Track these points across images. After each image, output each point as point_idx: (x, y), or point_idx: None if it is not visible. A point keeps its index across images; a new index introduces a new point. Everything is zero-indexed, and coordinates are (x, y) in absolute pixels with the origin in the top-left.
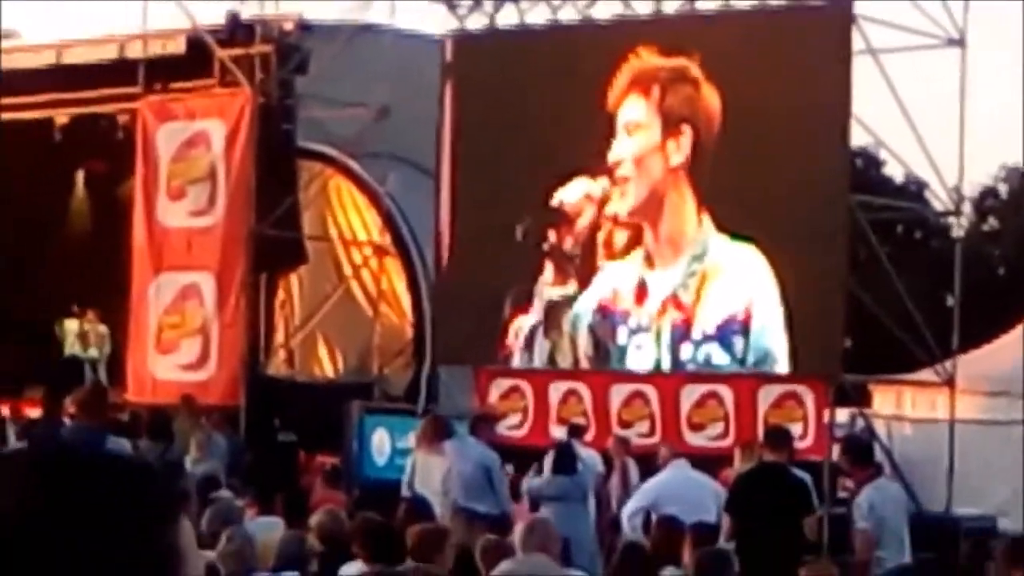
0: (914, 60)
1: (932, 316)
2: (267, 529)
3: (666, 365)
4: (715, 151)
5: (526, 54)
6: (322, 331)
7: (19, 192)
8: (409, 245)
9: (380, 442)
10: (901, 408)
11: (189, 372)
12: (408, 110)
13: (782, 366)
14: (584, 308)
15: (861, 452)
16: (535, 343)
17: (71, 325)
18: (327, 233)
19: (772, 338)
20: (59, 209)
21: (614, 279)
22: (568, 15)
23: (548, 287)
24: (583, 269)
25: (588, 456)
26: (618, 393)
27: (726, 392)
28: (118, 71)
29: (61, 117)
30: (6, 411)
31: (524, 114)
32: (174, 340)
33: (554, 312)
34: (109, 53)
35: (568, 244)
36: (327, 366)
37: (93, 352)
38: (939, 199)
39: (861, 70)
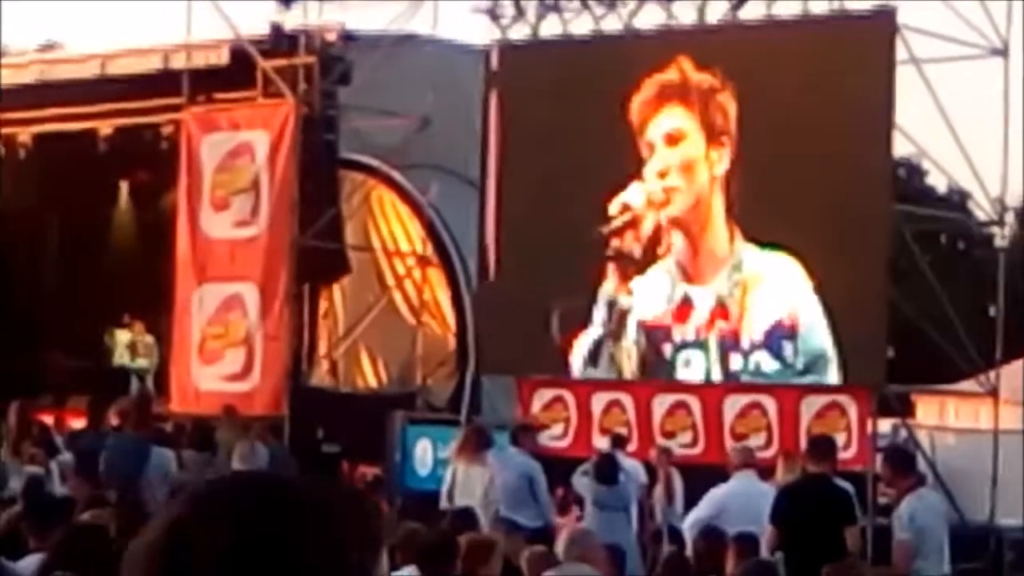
0: (957, 70)
1: (975, 326)
2: None
3: (717, 377)
4: (749, 162)
5: (571, 64)
6: (365, 342)
7: (63, 203)
8: (452, 255)
9: (423, 452)
10: (944, 418)
11: (233, 383)
12: (450, 120)
13: (833, 367)
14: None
15: (904, 462)
16: (601, 353)
17: (121, 336)
18: (370, 244)
19: (821, 338)
20: (103, 220)
21: (650, 294)
22: (611, 25)
23: (618, 295)
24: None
25: (631, 467)
26: (661, 403)
27: (769, 402)
28: (162, 82)
29: (105, 128)
30: (50, 420)
31: (569, 124)
32: (218, 351)
33: (623, 319)
34: (153, 64)
35: (636, 250)
36: (370, 377)
37: (142, 363)
38: (982, 209)
39: (904, 80)
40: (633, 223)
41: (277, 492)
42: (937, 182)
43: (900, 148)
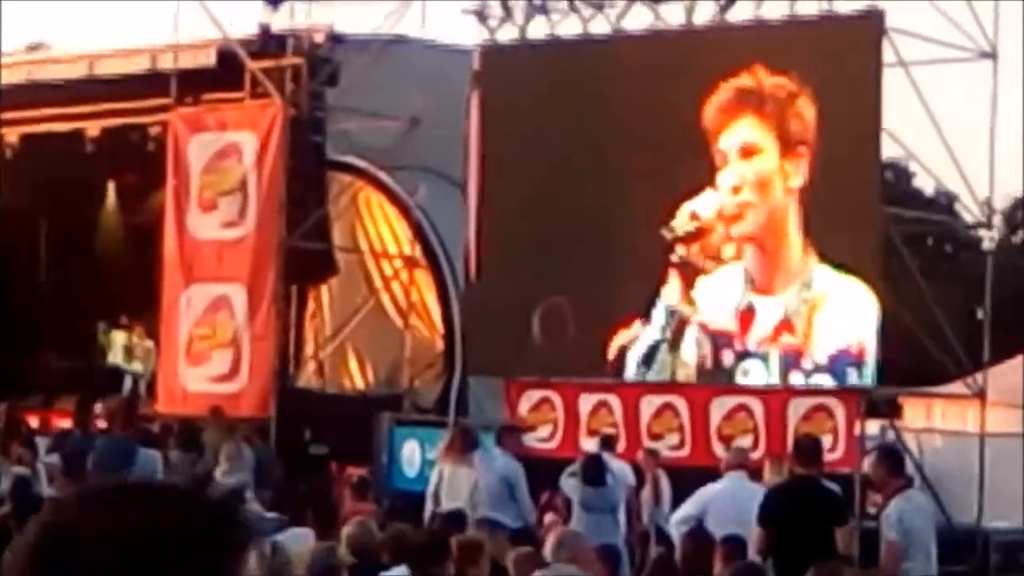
0: (945, 72)
1: (962, 329)
2: (298, 541)
3: None
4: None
5: (556, 66)
6: (352, 343)
7: (51, 204)
8: (439, 257)
9: (411, 454)
10: (931, 421)
11: (220, 384)
12: (439, 122)
13: None
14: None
15: (897, 463)
16: (656, 358)
17: (118, 336)
18: (357, 245)
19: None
20: (91, 221)
21: (717, 298)
22: (600, 27)
23: (680, 304)
24: None
25: (619, 468)
26: (648, 405)
27: (756, 404)
28: (149, 82)
29: (92, 129)
30: (35, 422)
31: (554, 125)
32: (205, 352)
33: (682, 328)
34: (140, 65)
35: (701, 260)
36: (357, 378)
37: (137, 366)
38: (970, 211)
39: (892, 82)
40: (700, 233)
41: (149, 494)
42: (925, 185)
43: (888, 150)
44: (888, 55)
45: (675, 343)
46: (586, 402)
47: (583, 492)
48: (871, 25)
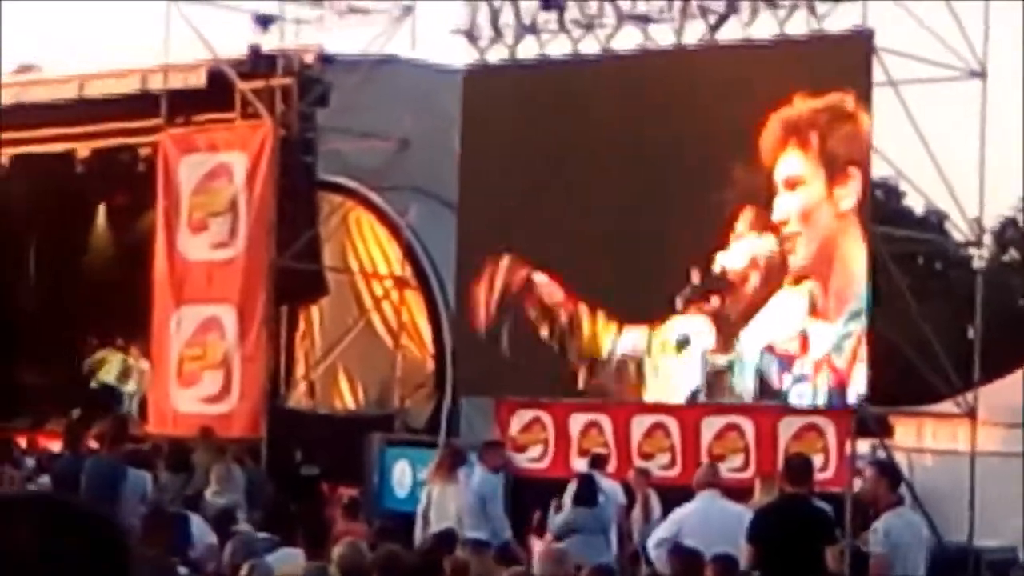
0: (935, 91)
1: (953, 347)
2: (288, 561)
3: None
4: None
5: (543, 86)
6: (343, 363)
7: (41, 225)
8: (430, 278)
9: (401, 474)
10: (922, 440)
11: (211, 404)
12: (429, 142)
13: None
14: (751, 346)
15: (894, 478)
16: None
17: (114, 357)
18: (348, 265)
19: None
20: (81, 242)
21: (782, 318)
22: (590, 47)
23: (710, 354)
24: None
25: (610, 488)
26: (639, 425)
27: (747, 424)
28: (139, 103)
29: (83, 150)
30: (23, 442)
31: (539, 145)
32: (196, 372)
33: (719, 380)
34: (130, 86)
35: (733, 313)
36: (348, 398)
37: (131, 387)
38: (960, 230)
39: (881, 101)
40: (731, 284)
41: (60, 506)
42: (915, 203)
43: (878, 169)
44: (878, 74)
45: (711, 394)
46: (576, 422)
47: (575, 513)
48: (860, 44)
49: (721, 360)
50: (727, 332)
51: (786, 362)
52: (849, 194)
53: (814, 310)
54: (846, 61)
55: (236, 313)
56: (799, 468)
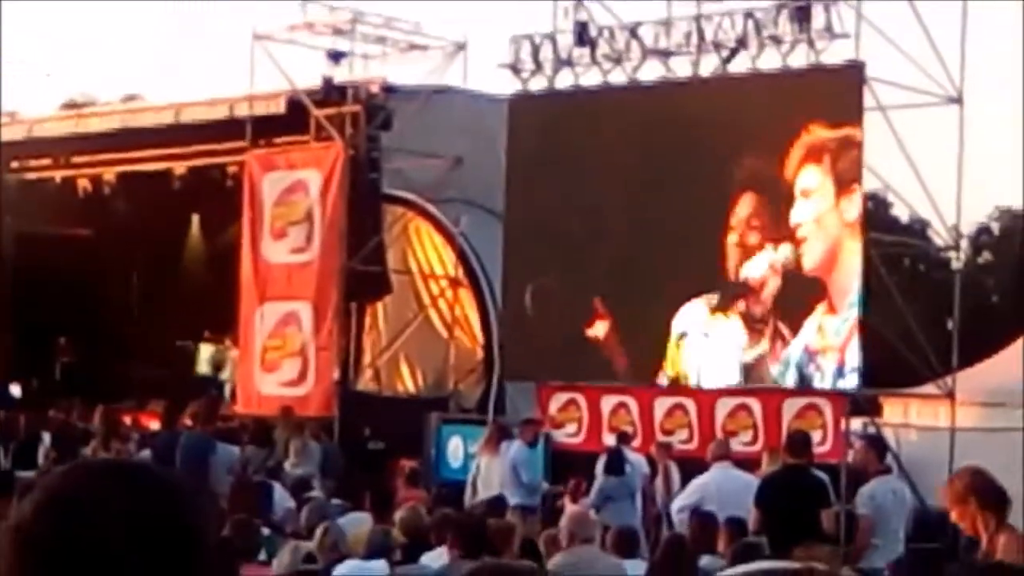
0: (918, 115)
1: (934, 338)
2: (357, 523)
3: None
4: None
5: (578, 112)
6: (404, 352)
7: (143, 234)
8: (480, 278)
9: (455, 448)
10: (908, 418)
11: (289, 388)
12: (479, 160)
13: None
14: (795, 352)
15: (880, 449)
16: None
17: (205, 350)
18: (408, 268)
19: None
20: (178, 248)
21: (811, 327)
22: (618, 77)
23: (743, 350)
24: (774, 329)
25: (635, 459)
26: (661, 405)
27: (755, 404)
28: (228, 128)
29: (179, 168)
30: (128, 420)
31: (571, 163)
32: (277, 360)
33: (754, 370)
34: (220, 113)
35: (757, 312)
36: (409, 383)
37: (225, 375)
38: (940, 236)
39: (872, 124)
40: (752, 290)
41: (143, 471)
42: (901, 213)
43: (869, 183)
44: (868, 100)
45: (750, 378)
46: (607, 403)
47: (606, 481)
48: (853, 74)
49: (751, 355)
50: (754, 329)
51: (812, 355)
52: (853, 206)
53: (829, 306)
54: (841, 90)
55: (312, 309)
56: (799, 442)
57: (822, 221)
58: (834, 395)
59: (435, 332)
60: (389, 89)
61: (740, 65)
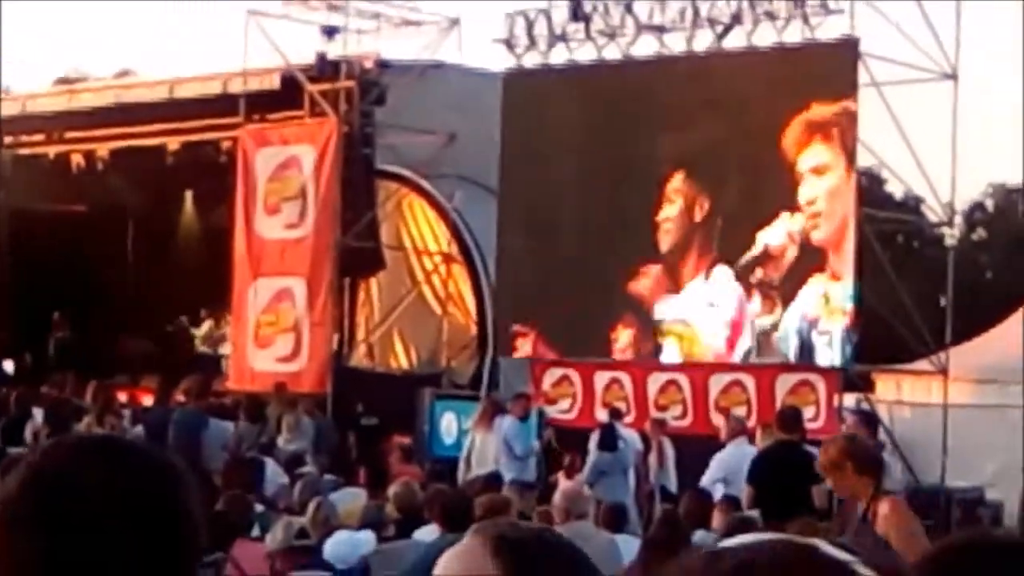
0: (913, 92)
1: (928, 314)
2: (350, 499)
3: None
4: (741, 173)
5: (572, 87)
6: (398, 328)
7: (137, 210)
8: (473, 254)
9: (448, 424)
10: (901, 394)
11: (283, 364)
12: (473, 136)
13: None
14: (792, 320)
15: (869, 424)
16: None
17: (206, 326)
18: (402, 243)
19: None
20: (171, 224)
21: (810, 295)
22: (612, 53)
23: (757, 317)
24: (789, 295)
25: (629, 435)
26: (655, 381)
27: (748, 380)
28: (221, 104)
29: (173, 144)
30: (124, 397)
31: (566, 138)
32: (270, 336)
33: (766, 338)
34: (214, 88)
35: (775, 279)
36: (402, 358)
37: (225, 351)
38: (934, 212)
39: (866, 100)
40: (771, 257)
41: (120, 448)
42: (895, 189)
43: (863, 159)
44: (863, 76)
45: (761, 352)
46: (600, 379)
47: (599, 456)
48: (848, 50)
49: (767, 321)
50: (770, 297)
51: (813, 324)
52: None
53: (831, 275)
54: (836, 65)
55: (305, 285)
56: (790, 418)
57: (836, 196)
58: (827, 371)
59: (428, 308)
60: (383, 65)
61: (735, 41)
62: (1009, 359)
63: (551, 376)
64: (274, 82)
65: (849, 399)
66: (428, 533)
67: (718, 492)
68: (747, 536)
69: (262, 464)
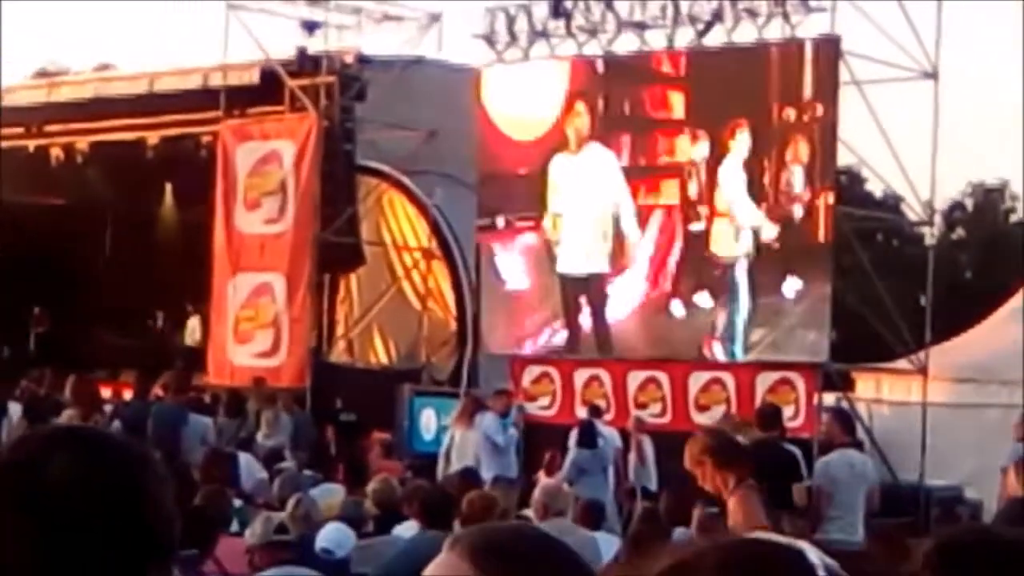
0: (893, 90)
1: (907, 313)
2: (329, 495)
3: None
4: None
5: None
6: (377, 324)
7: (116, 203)
8: (453, 250)
9: (428, 420)
10: (880, 393)
11: (262, 359)
12: (453, 132)
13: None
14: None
15: (844, 422)
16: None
17: (193, 321)
18: (382, 239)
19: None
20: (151, 218)
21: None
22: (593, 49)
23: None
24: None
25: (608, 433)
26: (634, 378)
27: (728, 378)
28: (202, 98)
29: (152, 138)
30: (107, 392)
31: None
32: (249, 331)
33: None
34: (194, 83)
35: None
36: (382, 354)
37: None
38: (914, 211)
39: (847, 98)
40: None
41: (90, 439)
42: (875, 188)
43: (843, 158)
44: (844, 74)
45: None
46: (580, 376)
47: (579, 454)
48: (828, 48)
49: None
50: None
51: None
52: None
53: None
54: (817, 63)
55: (285, 280)
56: (769, 415)
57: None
58: (807, 369)
59: (408, 304)
60: (363, 60)
61: (715, 39)
62: (988, 358)
63: (530, 373)
64: (254, 77)
65: (829, 397)
66: (407, 529)
67: None
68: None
69: (236, 459)
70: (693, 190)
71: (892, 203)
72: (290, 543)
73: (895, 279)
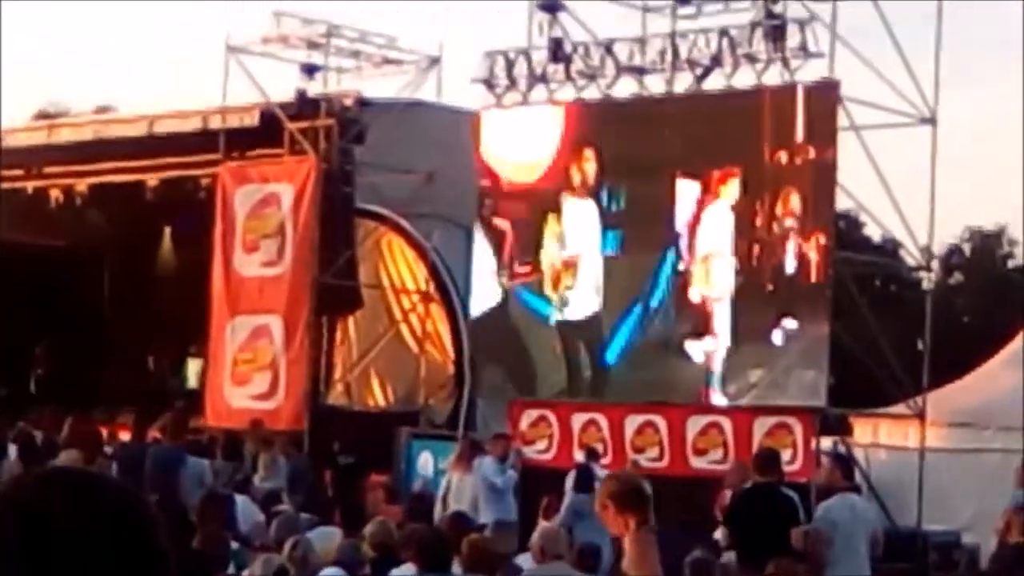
0: (892, 136)
1: (905, 358)
2: (326, 537)
3: None
4: None
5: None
6: (375, 367)
7: (115, 245)
8: (451, 293)
9: (425, 463)
10: (877, 437)
11: (260, 401)
12: (452, 176)
13: None
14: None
15: (844, 467)
16: None
17: (193, 364)
18: (380, 282)
19: None
20: (150, 260)
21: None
22: (592, 94)
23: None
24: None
25: (604, 476)
26: (631, 423)
27: (726, 422)
28: (201, 140)
29: (151, 180)
30: (105, 433)
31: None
32: (247, 373)
33: None
34: (193, 125)
35: None
36: (379, 397)
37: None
38: (912, 256)
39: (845, 143)
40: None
41: (92, 479)
42: (873, 233)
43: (841, 203)
44: (842, 120)
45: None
46: (577, 420)
47: (575, 498)
48: (827, 93)
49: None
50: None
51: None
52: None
53: None
54: (815, 109)
55: (283, 322)
56: (767, 459)
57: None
58: (804, 414)
59: (406, 347)
60: (363, 103)
61: (714, 83)
62: (986, 403)
63: (528, 416)
64: (254, 119)
65: (826, 442)
66: (404, 572)
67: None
68: None
69: (233, 501)
70: (684, 232)
71: (890, 248)
72: None
73: (893, 324)
